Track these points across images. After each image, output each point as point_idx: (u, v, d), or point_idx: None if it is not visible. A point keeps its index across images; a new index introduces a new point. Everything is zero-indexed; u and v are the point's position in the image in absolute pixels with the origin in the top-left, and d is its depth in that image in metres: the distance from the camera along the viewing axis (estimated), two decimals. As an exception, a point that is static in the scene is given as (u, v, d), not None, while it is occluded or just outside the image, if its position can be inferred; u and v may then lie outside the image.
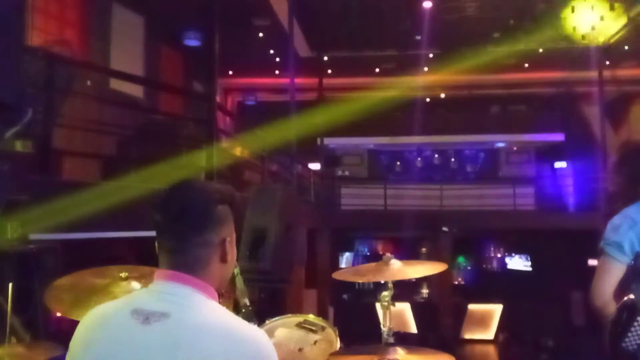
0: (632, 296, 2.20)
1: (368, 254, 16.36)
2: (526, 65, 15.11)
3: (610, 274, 2.19)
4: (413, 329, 13.74)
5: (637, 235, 2.17)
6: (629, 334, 2.13)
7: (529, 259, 15.42)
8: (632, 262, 2.18)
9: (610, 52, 13.69)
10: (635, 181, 2.30)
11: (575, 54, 13.11)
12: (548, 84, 16.12)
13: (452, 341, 13.15)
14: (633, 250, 2.17)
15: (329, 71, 15.41)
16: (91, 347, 1.23)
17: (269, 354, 1.23)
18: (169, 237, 1.27)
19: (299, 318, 2.48)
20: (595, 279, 2.22)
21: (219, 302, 1.30)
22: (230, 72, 15.08)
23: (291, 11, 11.02)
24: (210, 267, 1.28)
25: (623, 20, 11.20)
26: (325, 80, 15.22)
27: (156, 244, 1.30)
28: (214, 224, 1.27)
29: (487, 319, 14.35)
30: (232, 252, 1.33)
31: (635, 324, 2.12)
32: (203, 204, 1.27)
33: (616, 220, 2.25)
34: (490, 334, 14.23)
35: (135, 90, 9.05)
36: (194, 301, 1.23)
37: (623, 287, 2.20)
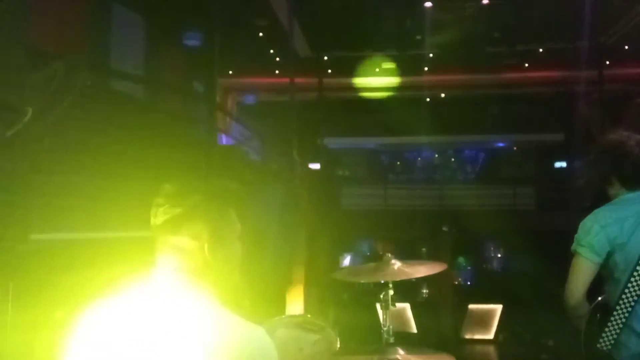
0: (599, 298, 2.22)
1: (368, 254, 16.35)
2: (526, 65, 15.11)
3: (583, 275, 2.21)
4: (413, 329, 13.73)
5: (608, 236, 2.17)
6: (604, 335, 2.14)
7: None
8: (604, 262, 2.19)
9: (610, 52, 13.71)
10: (608, 181, 2.30)
11: (575, 54, 13.11)
12: (548, 84, 16.11)
13: (452, 341, 13.14)
14: (605, 251, 2.18)
15: (329, 71, 15.40)
16: (88, 347, 1.23)
17: (271, 354, 1.23)
18: (160, 236, 1.27)
19: (299, 318, 2.48)
20: (568, 279, 2.25)
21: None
22: (230, 72, 15.08)
23: (291, 11, 11.01)
24: (198, 267, 1.27)
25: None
26: (325, 80, 15.21)
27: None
28: (196, 225, 1.25)
29: (487, 319, 14.31)
30: (225, 252, 1.30)
31: (609, 324, 2.13)
32: (191, 205, 1.25)
33: (588, 221, 2.25)
34: (490, 334, 14.20)
35: (135, 90, 9.04)
36: (194, 301, 1.23)
37: (595, 287, 2.22)
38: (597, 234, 2.18)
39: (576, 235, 2.26)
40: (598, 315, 2.19)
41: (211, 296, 1.28)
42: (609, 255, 2.18)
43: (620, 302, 2.12)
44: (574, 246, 2.26)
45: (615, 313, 2.13)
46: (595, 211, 2.26)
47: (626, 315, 2.11)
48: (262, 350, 1.22)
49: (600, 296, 2.25)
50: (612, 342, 2.13)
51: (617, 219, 2.19)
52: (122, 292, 1.32)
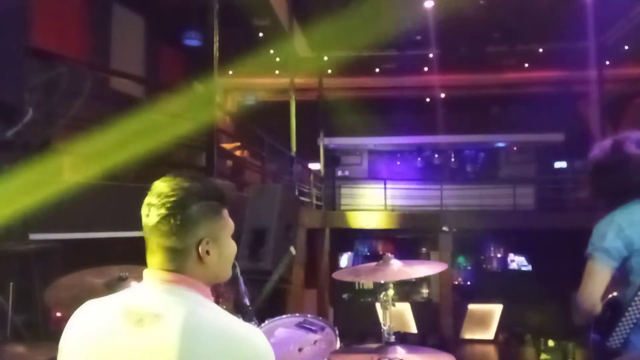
0: (615, 294, 2.22)
1: (368, 254, 16.37)
2: (526, 65, 15.11)
3: (599, 278, 2.20)
4: (413, 329, 13.74)
5: (624, 240, 2.17)
6: (614, 333, 2.15)
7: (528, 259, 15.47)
8: (620, 266, 2.20)
9: (610, 52, 13.70)
10: (622, 188, 2.28)
11: (575, 54, 13.12)
12: (548, 84, 16.11)
13: (452, 341, 13.15)
14: (620, 255, 2.18)
15: (329, 71, 15.39)
16: (81, 348, 1.22)
17: (266, 354, 1.21)
18: (153, 236, 1.25)
19: (299, 318, 2.49)
20: (584, 282, 2.23)
21: (219, 303, 1.28)
22: (230, 72, 15.07)
23: (291, 11, 11.03)
24: (190, 267, 1.25)
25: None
26: (325, 80, 15.21)
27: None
28: (187, 224, 1.23)
29: (487, 319, 14.36)
30: (215, 251, 1.27)
31: (620, 324, 2.14)
32: (184, 205, 1.24)
33: (602, 226, 2.25)
34: (490, 334, 14.23)
35: (135, 90, 9.05)
36: (188, 301, 1.21)
37: (607, 289, 2.22)
38: (613, 240, 2.18)
39: (591, 240, 2.25)
40: (608, 313, 2.20)
41: (205, 296, 1.26)
42: (625, 259, 2.18)
43: (633, 303, 2.14)
44: (589, 250, 2.24)
45: (627, 313, 2.14)
46: (609, 216, 2.26)
47: (638, 316, 2.13)
48: (258, 352, 1.20)
49: (610, 294, 2.25)
50: (622, 340, 2.14)
51: (631, 222, 2.20)
52: (116, 292, 1.31)
